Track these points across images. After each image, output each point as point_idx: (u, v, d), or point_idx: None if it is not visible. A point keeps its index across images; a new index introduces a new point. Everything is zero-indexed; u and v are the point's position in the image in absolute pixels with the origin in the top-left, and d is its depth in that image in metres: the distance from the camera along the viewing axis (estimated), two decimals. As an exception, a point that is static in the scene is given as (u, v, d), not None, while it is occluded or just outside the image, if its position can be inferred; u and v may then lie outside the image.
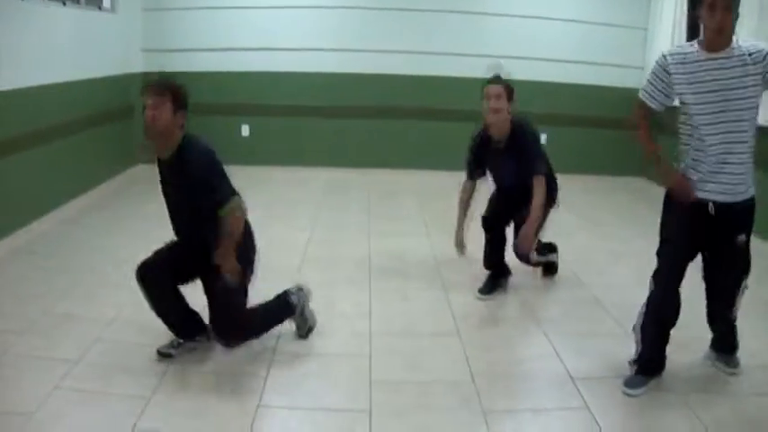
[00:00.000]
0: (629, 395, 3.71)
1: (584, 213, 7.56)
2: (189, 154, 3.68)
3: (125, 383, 3.64)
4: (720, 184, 3.45)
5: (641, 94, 3.67)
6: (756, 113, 3.41)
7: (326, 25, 8.67)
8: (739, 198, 3.49)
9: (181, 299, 4.00)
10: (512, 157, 4.79)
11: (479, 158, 4.98)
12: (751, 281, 3.74)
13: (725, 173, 3.43)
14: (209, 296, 3.91)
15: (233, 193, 3.70)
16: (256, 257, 3.99)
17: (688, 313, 3.75)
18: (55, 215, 6.52)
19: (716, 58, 3.33)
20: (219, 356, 4.01)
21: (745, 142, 3.41)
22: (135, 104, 8.57)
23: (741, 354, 3.99)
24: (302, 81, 8.51)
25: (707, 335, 4.03)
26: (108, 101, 7.91)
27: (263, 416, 3.43)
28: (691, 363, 4.06)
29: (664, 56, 3.53)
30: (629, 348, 3.96)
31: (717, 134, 3.39)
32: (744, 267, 3.69)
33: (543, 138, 8.46)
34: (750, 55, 3.29)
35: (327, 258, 5.86)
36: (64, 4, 6.85)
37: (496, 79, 4.76)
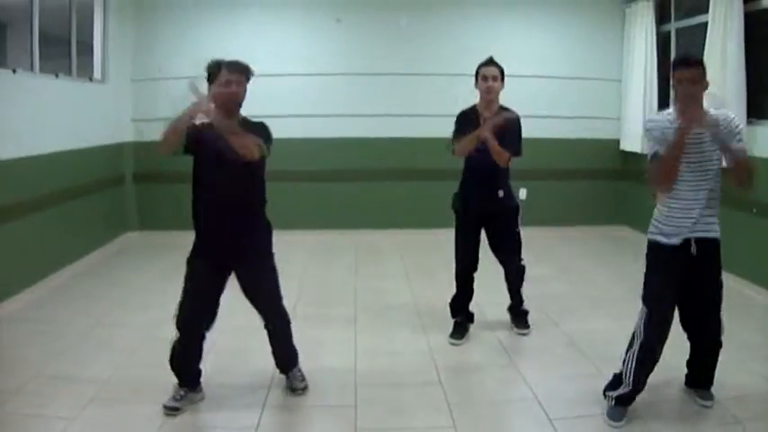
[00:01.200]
0: (614, 427, 3.96)
1: (562, 262, 7.79)
2: (251, 121, 4.18)
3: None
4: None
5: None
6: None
7: (309, 92, 8.91)
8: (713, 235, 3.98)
9: (201, 349, 4.27)
10: (495, 133, 5.02)
11: (464, 130, 5.18)
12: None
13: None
14: (257, 301, 4.34)
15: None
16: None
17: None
18: (47, 283, 6.61)
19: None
20: (211, 412, 4.16)
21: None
22: (125, 173, 8.79)
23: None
24: (287, 147, 8.66)
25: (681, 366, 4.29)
26: (99, 170, 8.07)
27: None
28: (666, 395, 4.31)
29: (650, 120, 4.18)
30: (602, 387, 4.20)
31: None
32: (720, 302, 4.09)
33: (524, 193, 8.78)
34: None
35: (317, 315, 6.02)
36: (56, 76, 7.05)
37: (491, 62, 5.34)
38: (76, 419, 3.97)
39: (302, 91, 8.86)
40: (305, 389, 4.48)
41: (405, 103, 8.98)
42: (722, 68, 6.70)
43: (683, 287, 4.02)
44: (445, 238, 5.82)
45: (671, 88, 4.01)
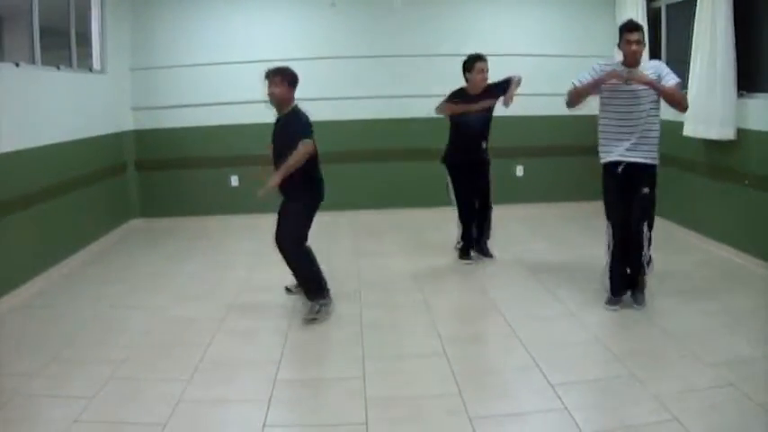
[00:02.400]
0: (611, 310, 5.49)
1: (558, 237, 7.98)
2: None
3: (140, 414, 3.94)
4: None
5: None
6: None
7: (309, 76, 9.00)
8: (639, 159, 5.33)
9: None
10: (483, 100, 6.79)
11: (456, 100, 6.81)
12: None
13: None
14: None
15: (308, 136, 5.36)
16: (313, 205, 5.60)
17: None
18: (54, 271, 6.73)
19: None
20: (227, 385, 4.32)
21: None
22: (127, 161, 8.89)
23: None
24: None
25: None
26: (101, 159, 8.16)
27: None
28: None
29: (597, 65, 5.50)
30: (601, 357, 4.52)
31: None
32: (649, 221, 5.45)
33: (520, 169, 8.95)
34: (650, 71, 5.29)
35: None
36: (58, 68, 7.14)
37: (483, 56, 6.87)
38: (95, 398, 4.12)
39: (300, 75, 8.98)
40: (312, 320, 5.40)
41: (401, 85, 9.04)
42: (712, 43, 6.81)
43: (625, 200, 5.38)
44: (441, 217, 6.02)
45: (617, 46, 5.44)
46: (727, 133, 6.75)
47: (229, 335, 5.18)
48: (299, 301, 5.82)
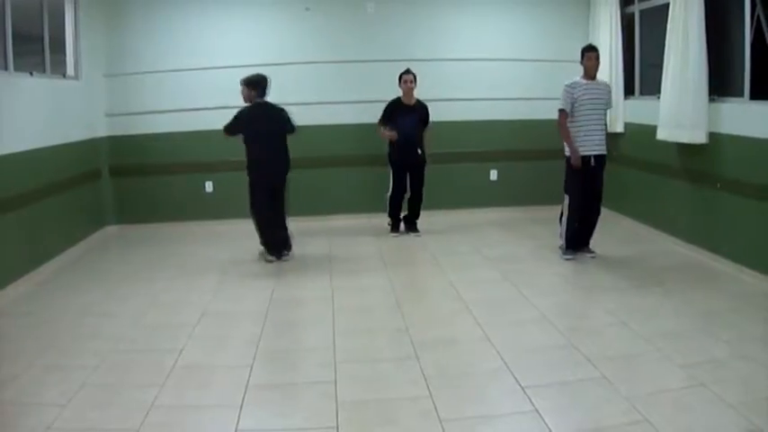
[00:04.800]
0: (566, 259, 7.13)
1: (535, 240, 7.99)
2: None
3: (113, 420, 3.93)
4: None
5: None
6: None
7: (281, 82, 9.00)
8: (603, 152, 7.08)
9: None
10: (416, 113, 8.25)
11: (390, 114, 8.22)
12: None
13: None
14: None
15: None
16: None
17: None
18: (29, 278, 6.69)
19: (592, 84, 7.02)
20: (200, 391, 4.31)
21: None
22: (102, 168, 8.85)
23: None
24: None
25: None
26: (76, 165, 8.11)
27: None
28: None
29: (568, 85, 7.02)
30: (572, 359, 4.58)
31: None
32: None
33: (494, 173, 9.01)
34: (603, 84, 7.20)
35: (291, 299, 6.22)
36: (31, 74, 7.10)
37: (410, 70, 8.19)
38: (68, 405, 4.10)
39: (274, 80, 8.95)
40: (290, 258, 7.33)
41: (374, 89, 8.92)
42: (684, 49, 6.90)
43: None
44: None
45: (580, 63, 7.08)
46: (699, 137, 6.82)
47: (202, 341, 5.18)
48: (271, 306, 5.88)
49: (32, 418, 3.95)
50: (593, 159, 6.98)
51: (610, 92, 7.29)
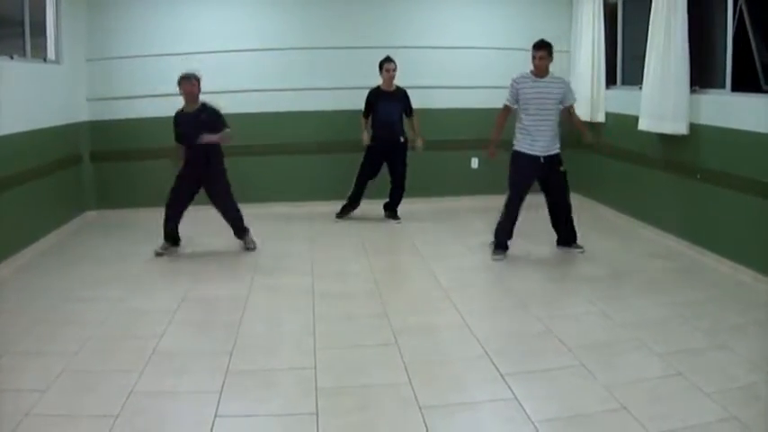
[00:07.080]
0: (496, 260, 6.81)
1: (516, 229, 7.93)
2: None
3: (93, 406, 3.93)
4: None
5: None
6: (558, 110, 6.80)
7: (263, 67, 8.97)
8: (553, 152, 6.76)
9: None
10: (397, 100, 8.31)
11: (373, 102, 8.28)
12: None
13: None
14: (216, 199, 7.32)
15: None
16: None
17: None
18: (10, 262, 6.66)
19: (541, 81, 6.73)
20: (179, 376, 4.31)
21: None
22: (83, 153, 8.79)
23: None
24: (244, 121, 8.63)
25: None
26: (56, 150, 8.06)
27: (221, 424, 3.75)
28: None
29: (514, 79, 6.82)
30: (552, 347, 4.63)
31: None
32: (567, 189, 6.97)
33: (475, 162, 9.03)
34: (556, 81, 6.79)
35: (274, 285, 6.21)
36: (11, 58, 7.02)
37: (391, 59, 8.19)
38: (48, 391, 4.09)
39: (256, 66, 8.92)
40: (254, 248, 7.31)
41: (356, 77, 8.95)
42: (666, 39, 6.91)
43: (542, 183, 6.91)
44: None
45: (531, 60, 6.75)
46: (680, 128, 6.85)
47: (182, 326, 5.19)
48: (252, 293, 5.90)
49: (10, 404, 3.93)
50: (542, 158, 6.70)
51: (566, 87, 6.83)
